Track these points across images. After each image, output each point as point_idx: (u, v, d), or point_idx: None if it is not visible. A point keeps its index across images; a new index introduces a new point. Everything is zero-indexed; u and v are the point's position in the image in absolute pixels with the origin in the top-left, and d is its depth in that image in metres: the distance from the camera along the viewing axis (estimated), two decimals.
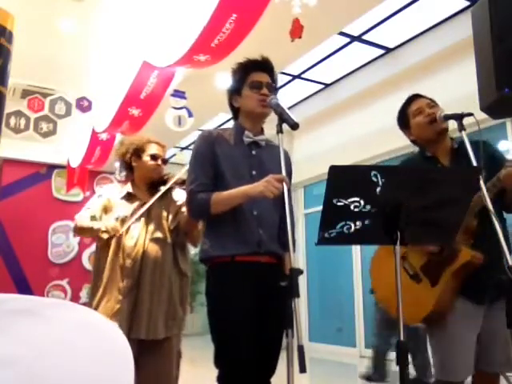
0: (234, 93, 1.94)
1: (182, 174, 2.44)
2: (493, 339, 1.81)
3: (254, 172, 1.85)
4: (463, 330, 1.80)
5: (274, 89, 1.90)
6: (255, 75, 1.89)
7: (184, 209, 2.34)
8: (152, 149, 2.47)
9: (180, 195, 2.44)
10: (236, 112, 1.98)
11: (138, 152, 2.47)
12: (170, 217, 2.42)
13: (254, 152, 1.90)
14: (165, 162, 2.51)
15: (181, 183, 2.40)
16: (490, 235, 1.59)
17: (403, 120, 2.07)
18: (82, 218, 2.46)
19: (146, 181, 2.48)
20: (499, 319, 1.78)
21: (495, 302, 1.82)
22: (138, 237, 2.31)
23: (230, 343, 1.71)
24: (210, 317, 1.80)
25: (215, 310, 1.79)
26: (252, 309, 1.72)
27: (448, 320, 1.81)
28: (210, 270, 1.85)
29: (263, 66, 1.92)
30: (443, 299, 1.80)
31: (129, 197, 2.45)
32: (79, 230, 2.47)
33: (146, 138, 2.55)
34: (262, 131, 1.96)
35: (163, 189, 2.41)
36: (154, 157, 2.46)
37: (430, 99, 2.04)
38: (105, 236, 2.35)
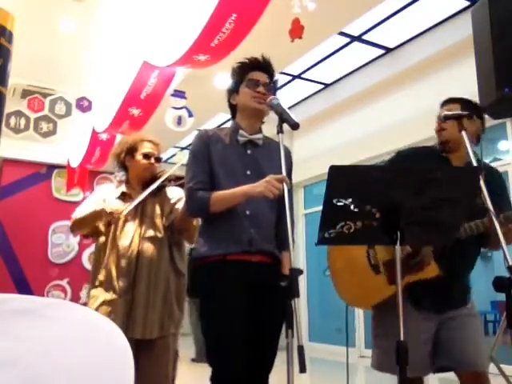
0: (233, 91, 1.95)
1: (174, 170, 2.42)
2: (453, 341, 1.81)
3: (248, 172, 1.84)
4: (418, 324, 1.81)
5: (272, 89, 1.89)
6: (254, 74, 1.89)
7: (178, 206, 2.33)
8: (145, 147, 2.44)
9: (174, 192, 2.43)
10: (234, 111, 1.98)
11: (132, 151, 2.44)
12: (165, 214, 2.40)
13: (249, 151, 1.89)
14: (158, 160, 2.48)
15: (174, 180, 2.39)
16: (452, 249, 1.64)
17: None
18: (80, 210, 2.40)
19: (140, 180, 2.45)
20: (458, 325, 1.84)
21: (450, 311, 1.86)
22: (133, 236, 2.30)
23: (220, 342, 1.71)
24: (201, 315, 1.80)
25: (207, 309, 1.79)
26: (244, 308, 1.72)
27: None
28: (201, 269, 1.84)
29: (263, 65, 1.92)
30: (393, 297, 1.82)
31: (123, 197, 2.43)
32: (78, 222, 2.38)
33: (139, 136, 2.52)
34: (259, 130, 1.94)
35: (154, 185, 2.37)
36: (146, 156, 2.43)
37: (462, 105, 1.89)
38: (108, 218, 2.27)
